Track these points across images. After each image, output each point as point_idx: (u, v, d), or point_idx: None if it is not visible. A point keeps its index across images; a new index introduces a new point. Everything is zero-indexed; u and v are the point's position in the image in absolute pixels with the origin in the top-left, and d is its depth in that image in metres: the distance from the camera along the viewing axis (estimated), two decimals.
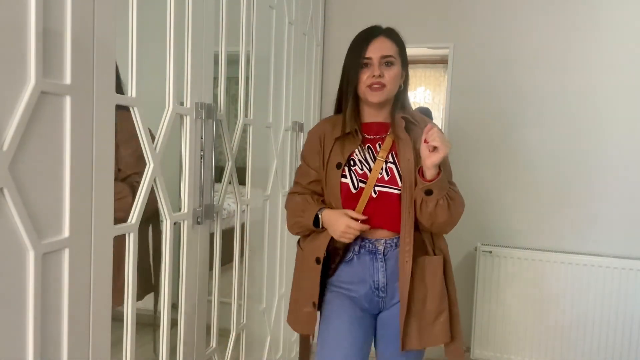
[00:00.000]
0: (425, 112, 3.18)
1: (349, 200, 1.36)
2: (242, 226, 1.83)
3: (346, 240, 1.34)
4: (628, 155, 2.36)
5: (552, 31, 2.42)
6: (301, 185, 1.46)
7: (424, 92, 3.37)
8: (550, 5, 2.41)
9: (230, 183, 1.67)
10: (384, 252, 1.36)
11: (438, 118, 3.29)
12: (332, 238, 1.37)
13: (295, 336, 2.52)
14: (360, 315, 1.41)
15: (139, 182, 1.22)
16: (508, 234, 2.54)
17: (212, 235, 1.57)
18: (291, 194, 1.50)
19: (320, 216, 1.37)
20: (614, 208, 2.39)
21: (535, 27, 2.44)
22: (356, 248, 1.38)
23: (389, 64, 1.35)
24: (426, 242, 1.38)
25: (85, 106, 0.94)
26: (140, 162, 1.23)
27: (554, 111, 2.44)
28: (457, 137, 2.59)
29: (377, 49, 1.33)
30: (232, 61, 1.62)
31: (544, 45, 2.43)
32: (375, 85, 1.33)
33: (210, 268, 1.57)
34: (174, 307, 1.35)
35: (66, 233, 0.92)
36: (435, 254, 1.39)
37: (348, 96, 1.38)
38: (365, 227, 1.33)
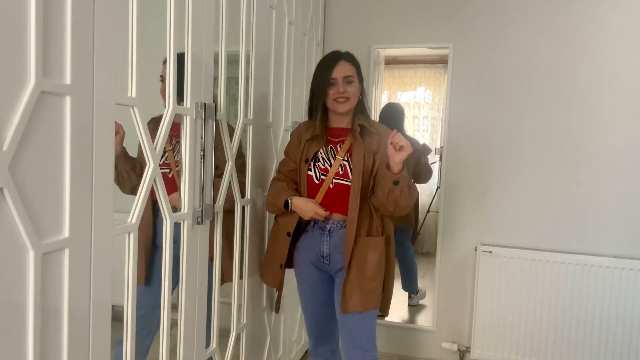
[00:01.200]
0: (395, 109, 3.15)
1: (313, 189, 1.75)
2: (242, 226, 1.83)
3: (311, 220, 1.75)
4: (628, 155, 2.36)
5: (551, 31, 2.42)
6: (282, 173, 1.83)
7: (424, 92, 3.37)
8: (550, 5, 2.41)
9: (230, 183, 1.67)
10: (329, 230, 1.75)
11: (438, 118, 3.29)
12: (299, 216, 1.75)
13: (295, 336, 2.52)
14: (320, 275, 1.81)
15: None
16: (508, 234, 2.54)
17: (212, 235, 1.56)
18: (273, 179, 1.87)
19: (290, 202, 1.73)
20: (614, 208, 2.39)
21: (535, 27, 2.44)
22: (312, 224, 1.78)
23: (349, 82, 1.70)
24: (375, 224, 1.73)
25: (85, 106, 0.94)
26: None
27: (554, 111, 2.44)
28: (457, 137, 2.59)
29: (341, 71, 1.69)
30: (232, 61, 1.62)
31: (543, 45, 2.43)
32: (341, 99, 1.69)
33: (211, 268, 1.57)
34: (174, 307, 1.35)
35: (66, 233, 0.92)
36: (382, 235, 1.74)
37: (317, 107, 1.73)
38: (327, 213, 1.71)
